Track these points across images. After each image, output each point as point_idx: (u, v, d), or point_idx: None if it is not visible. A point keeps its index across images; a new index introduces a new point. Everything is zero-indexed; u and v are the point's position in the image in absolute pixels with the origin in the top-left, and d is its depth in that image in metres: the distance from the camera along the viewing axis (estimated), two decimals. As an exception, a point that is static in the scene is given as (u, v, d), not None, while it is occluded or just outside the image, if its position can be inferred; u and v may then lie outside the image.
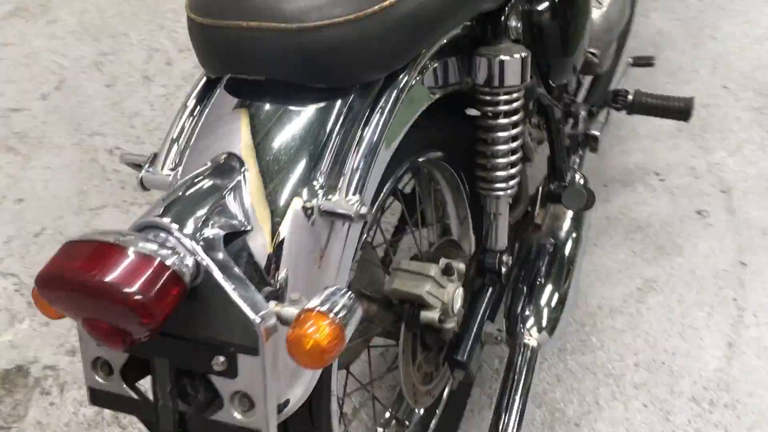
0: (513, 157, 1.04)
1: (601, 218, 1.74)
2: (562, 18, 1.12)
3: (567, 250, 1.20)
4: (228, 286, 0.65)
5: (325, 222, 0.74)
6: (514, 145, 1.04)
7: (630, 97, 1.46)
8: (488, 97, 1.00)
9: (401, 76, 0.82)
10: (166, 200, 0.70)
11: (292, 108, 0.78)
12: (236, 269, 0.67)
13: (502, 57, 0.96)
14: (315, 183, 0.75)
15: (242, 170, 0.74)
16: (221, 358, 0.67)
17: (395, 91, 0.81)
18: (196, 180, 0.73)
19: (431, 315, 0.98)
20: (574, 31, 1.16)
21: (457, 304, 1.00)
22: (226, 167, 0.74)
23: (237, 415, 0.69)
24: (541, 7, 1.10)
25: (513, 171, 1.05)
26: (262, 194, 0.74)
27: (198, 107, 0.83)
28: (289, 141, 0.76)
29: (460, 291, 1.00)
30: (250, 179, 0.74)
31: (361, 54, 0.77)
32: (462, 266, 1.01)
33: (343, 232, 0.76)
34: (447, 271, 0.99)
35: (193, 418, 0.70)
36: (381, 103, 0.80)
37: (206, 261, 0.65)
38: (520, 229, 1.22)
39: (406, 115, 0.85)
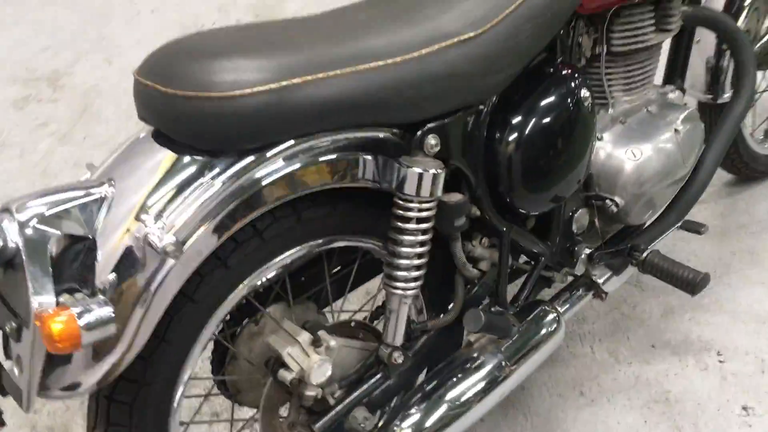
0: (416, 261, 1.10)
1: (631, 376, 1.64)
2: (521, 149, 1.16)
3: (481, 375, 1.20)
4: (29, 269, 0.84)
5: (150, 252, 0.90)
6: (418, 250, 1.10)
7: (645, 255, 1.40)
8: (399, 202, 1.08)
9: (262, 156, 0.96)
10: (39, 192, 0.91)
11: (176, 155, 0.95)
12: (47, 259, 0.85)
13: (411, 168, 1.04)
14: (158, 217, 0.91)
15: (110, 190, 0.93)
16: (14, 324, 0.85)
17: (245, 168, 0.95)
18: (70, 186, 0.93)
19: (286, 375, 1.07)
20: (538, 166, 1.19)
21: (318, 376, 1.07)
22: (100, 183, 0.93)
23: (16, 373, 0.86)
24: (494, 134, 1.16)
25: (414, 274, 1.10)
26: (116, 213, 0.91)
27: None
28: (155, 178, 0.93)
29: (326, 365, 1.08)
30: (115, 199, 0.92)
31: (231, 127, 0.93)
32: (334, 343, 1.09)
33: (159, 264, 0.91)
34: (315, 343, 1.08)
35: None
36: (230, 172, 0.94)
37: (21, 244, 0.85)
38: (448, 336, 1.24)
39: (273, 193, 0.97)
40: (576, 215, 1.37)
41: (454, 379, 1.19)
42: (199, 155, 0.94)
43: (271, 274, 1.13)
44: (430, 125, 1.05)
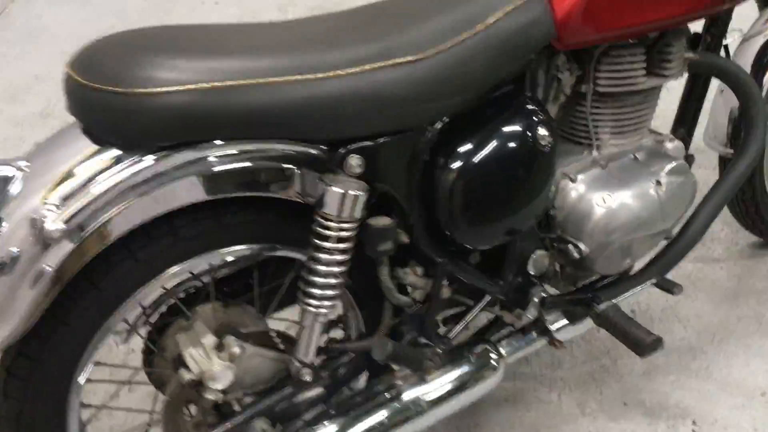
0: (332, 281, 1.08)
1: (592, 431, 1.56)
2: (462, 181, 1.12)
3: (393, 407, 1.16)
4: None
5: (42, 234, 0.92)
6: (336, 269, 1.08)
7: (601, 307, 1.32)
8: (319, 219, 1.06)
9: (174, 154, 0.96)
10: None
11: (93, 146, 0.97)
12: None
13: (331, 187, 1.03)
14: (60, 203, 0.93)
15: (23, 170, 0.96)
16: None
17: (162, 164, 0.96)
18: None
19: (184, 375, 1.07)
20: (479, 201, 1.15)
21: (217, 380, 1.07)
22: (15, 163, 0.96)
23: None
24: (436, 161, 1.12)
25: (330, 293, 1.09)
26: (24, 193, 0.94)
27: None
28: (67, 165, 0.95)
29: (227, 371, 1.07)
30: (26, 179, 0.95)
31: (144, 124, 0.94)
32: (237, 350, 1.08)
33: (52, 247, 0.93)
34: (219, 347, 1.08)
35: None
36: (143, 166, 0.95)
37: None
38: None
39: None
40: (533, 256, 1.31)
41: (363, 407, 1.16)
42: (114, 149, 0.96)
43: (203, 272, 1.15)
44: (353, 146, 1.03)
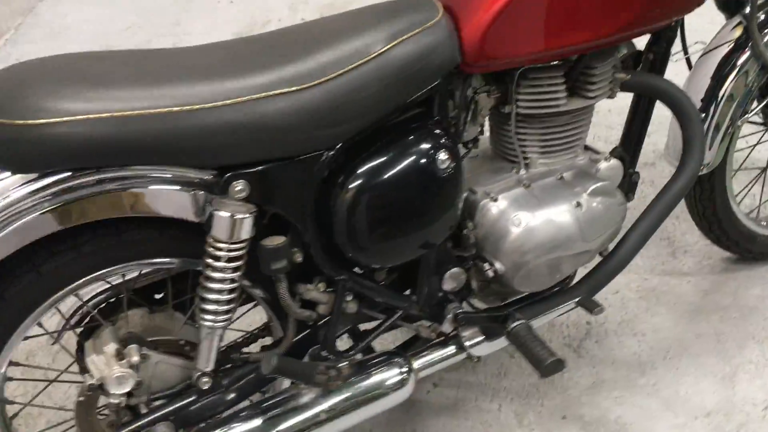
0: (225, 297, 1.14)
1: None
2: (356, 204, 1.16)
3: (293, 416, 1.22)
4: None
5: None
6: (228, 286, 1.14)
7: (514, 325, 1.34)
8: (209, 240, 1.11)
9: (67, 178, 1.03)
10: None
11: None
12: None
13: (217, 211, 1.08)
14: None
15: None
16: None
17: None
18: None
19: (85, 380, 1.16)
20: (372, 222, 1.18)
21: (115, 387, 1.14)
22: None
23: None
24: (331, 184, 1.17)
25: (223, 308, 1.15)
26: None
27: None
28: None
29: (126, 378, 1.14)
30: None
31: (34, 153, 1.02)
32: (136, 358, 1.16)
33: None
34: (118, 355, 1.16)
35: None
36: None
37: None
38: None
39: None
40: (448, 273, 1.34)
41: (264, 415, 1.22)
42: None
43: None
44: (237, 171, 1.09)
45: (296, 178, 1.14)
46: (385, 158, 1.19)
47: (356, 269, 1.26)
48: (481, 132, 1.38)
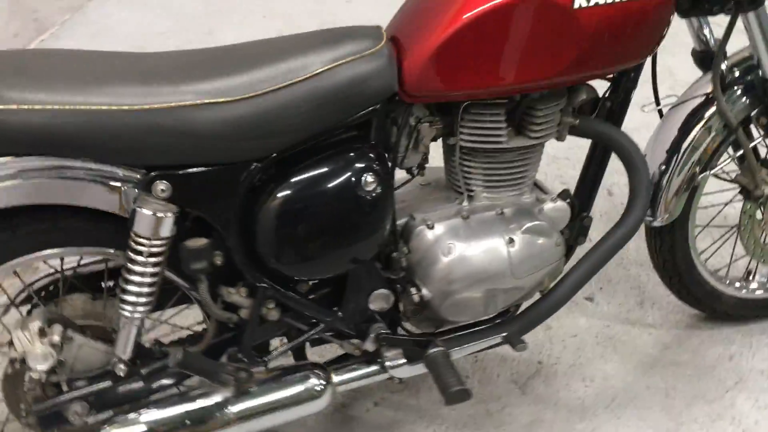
0: (145, 289, 1.20)
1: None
2: (278, 216, 1.22)
3: (198, 413, 1.28)
4: None
5: None
6: (147, 280, 1.20)
7: (432, 350, 1.36)
8: (132, 234, 1.17)
9: None
10: None
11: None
12: None
13: (140, 208, 1.14)
14: None
15: None
16: None
17: None
18: None
19: (11, 353, 1.24)
20: (289, 236, 1.24)
21: (36, 363, 1.21)
22: None
23: None
24: (259, 193, 1.22)
25: (142, 300, 1.21)
26: None
27: None
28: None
29: (47, 357, 1.22)
30: None
31: None
32: (57, 338, 1.23)
33: None
34: (41, 333, 1.23)
35: None
36: None
37: None
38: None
39: None
40: (375, 293, 1.38)
41: (175, 407, 1.28)
42: None
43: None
44: (161, 172, 1.16)
45: (221, 184, 1.21)
46: (312, 174, 1.24)
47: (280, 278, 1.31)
48: (426, 160, 1.42)
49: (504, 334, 1.45)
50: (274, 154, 1.23)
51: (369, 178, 1.26)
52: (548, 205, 1.46)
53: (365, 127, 1.29)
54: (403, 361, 1.42)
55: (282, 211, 1.22)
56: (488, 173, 1.41)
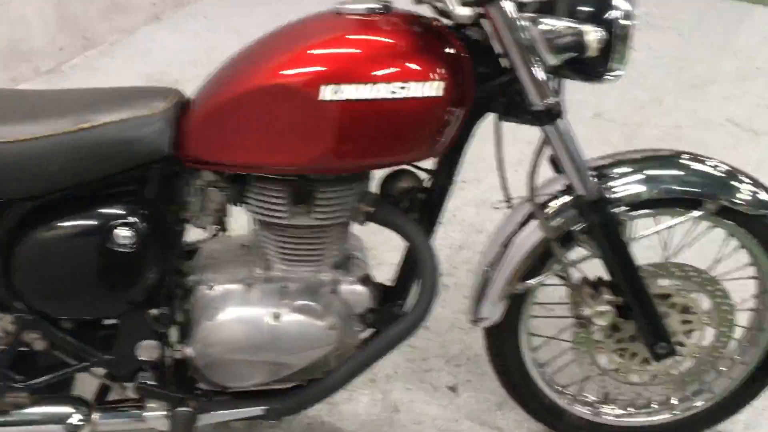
0: None
1: None
2: (17, 251, 1.31)
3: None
4: None
5: None
6: None
7: (180, 409, 1.38)
8: None
9: None
10: None
11: None
12: None
13: None
14: None
15: None
16: None
17: None
18: None
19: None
20: (29, 274, 1.33)
21: None
22: None
23: None
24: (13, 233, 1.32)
25: None
26: None
27: None
28: None
29: None
30: None
31: None
32: None
33: None
34: None
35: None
36: None
37: None
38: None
39: None
40: (143, 343, 1.43)
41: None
42: None
43: None
44: None
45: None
46: (66, 220, 1.32)
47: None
48: (222, 221, 1.46)
49: (265, 408, 1.45)
50: (38, 196, 1.31)
51: (122, 231, 1.31)
52: (345, 287, 1.46)
53: (143, 183, 1.36)
54: (163, 413, 1.45)
55: (31, 251, 1.31)
56: (281, 246, 1.43)
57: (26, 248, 1.32)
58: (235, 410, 1.47)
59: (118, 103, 1.33)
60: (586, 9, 1.29)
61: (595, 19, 1.27)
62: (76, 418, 1.43)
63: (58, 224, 1.32)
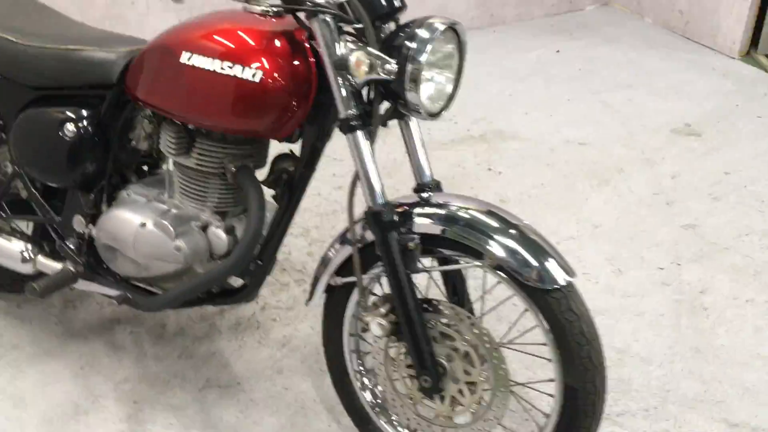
0: None
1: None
2: None
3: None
4: None
5: None
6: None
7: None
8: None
9: None
10: None
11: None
12: None
13: None
14: None
15: None
16: None
17: None
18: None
19: None
20: None
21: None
22: None
23: None
24: None
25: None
26: None
27: None
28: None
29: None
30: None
31: None
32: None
33: None
34: None
35: None
36: None
37: None
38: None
39: None
40: (77, 216, 1.93)
41: None
42: None
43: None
44: None
45: (11, 99, 1.94)
46: (46, 109, 1.89)
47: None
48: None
49: (120, 294, 1.88)
50: (38, 88, 1.90)
51: (70, 126, 1.84)
52: (212, 230, 1.81)
53: (102, 101, 1.87)
54: (58, 265, 1.97)
55: (20, 124, 1.91)
56: (178, 180, 1.84)
57: (20, 121, 1.92)
58: (100, 287, 1.92)
59: (98, 40, 1.88)
60: (393, 44, 1.49)
61: (397, 53, 1.47)
62: (25, 251, 2.00)
63: (40, 110, 1.90)
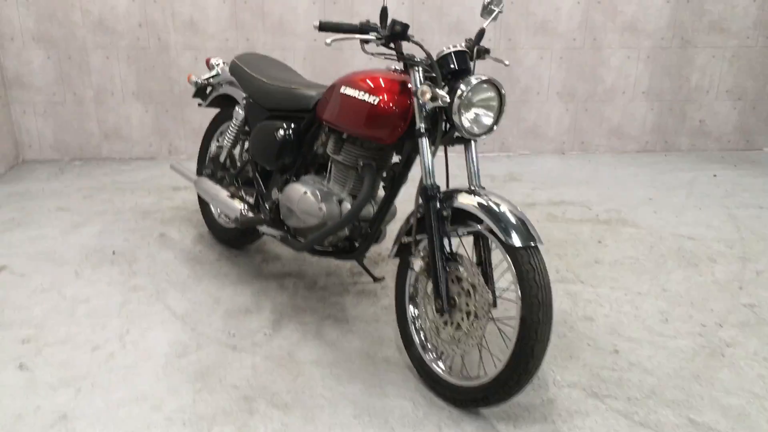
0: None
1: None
2: None
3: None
4: None
5: None
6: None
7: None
8: None
9: None
10: None
11: None
12: None
13: None
14: None
15: None
16: None
17: None
18: None
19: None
20: None
21: None
22: None
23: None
24: None
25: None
26: None
27: None
28: None
29: None
30: None
31: None
32: None
33: None
34: None
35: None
36: None
37: None
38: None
39: None
40: (274, 189, 3.12)
41: None
42: None
43: None
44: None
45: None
46: (272, 121, 3.12)
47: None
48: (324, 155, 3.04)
49: (282, 233, 2.98)
50: (272, 110, 3.16)
51: (281, 131, 3.04)
52: (344, 204, 2.87)
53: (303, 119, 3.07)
54: (258, 216, 3.12)
55: (256, 130, 3.15)
56: (333, 169, 2.94)
57: (256, 129, 3.18)
58: (274, 230, 3.04)
59: (306, 84, 3.09)
60: (453, 86, 2.45)
61: (453, 91, 2.43)
62: (244, 207, 3.21)
63: (269, 122, 3.14)
